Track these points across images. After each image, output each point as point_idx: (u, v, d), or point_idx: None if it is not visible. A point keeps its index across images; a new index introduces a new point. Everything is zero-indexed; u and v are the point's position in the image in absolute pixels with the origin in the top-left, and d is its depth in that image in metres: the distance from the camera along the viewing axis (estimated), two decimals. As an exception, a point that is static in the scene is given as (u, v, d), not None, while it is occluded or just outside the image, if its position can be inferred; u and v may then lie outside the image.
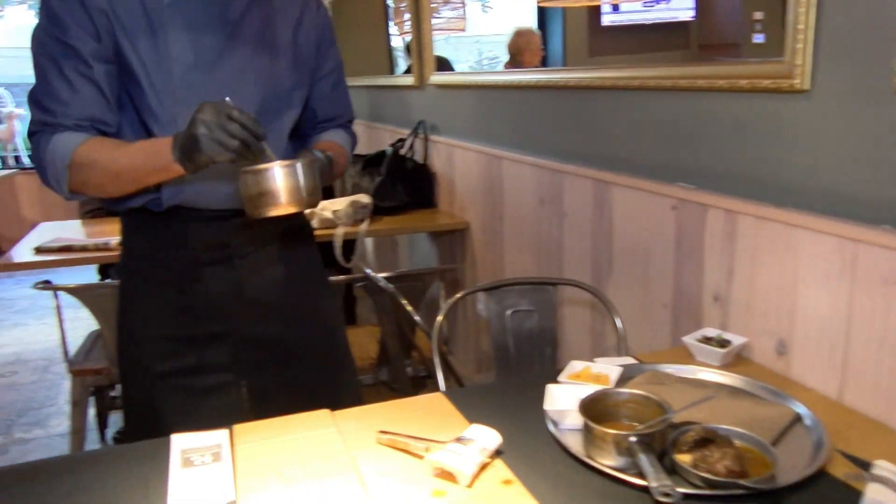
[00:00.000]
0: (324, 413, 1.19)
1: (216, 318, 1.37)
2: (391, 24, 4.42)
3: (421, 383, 2.33)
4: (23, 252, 2.52)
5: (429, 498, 0.97)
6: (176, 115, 1.23)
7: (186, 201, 1.30)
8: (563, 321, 2.07)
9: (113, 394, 2.83)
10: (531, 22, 3.58)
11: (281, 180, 1.14)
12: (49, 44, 1.17)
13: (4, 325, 4.13)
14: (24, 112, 6.10)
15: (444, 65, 3.69)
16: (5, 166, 5.90)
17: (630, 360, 1.38)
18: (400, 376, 2.09)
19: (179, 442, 1.09)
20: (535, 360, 1.69)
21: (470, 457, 1.01)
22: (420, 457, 1.06)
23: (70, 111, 1.18)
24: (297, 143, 1.46)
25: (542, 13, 3.42)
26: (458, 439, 1.05)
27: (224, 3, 1.26)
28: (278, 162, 1.15)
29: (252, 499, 0.95)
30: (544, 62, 3.30)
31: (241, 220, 1.33)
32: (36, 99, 1.20)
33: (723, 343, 1.42)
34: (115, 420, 2.81)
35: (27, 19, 7.93)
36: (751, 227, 1.43)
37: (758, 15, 2.74)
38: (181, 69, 1.23)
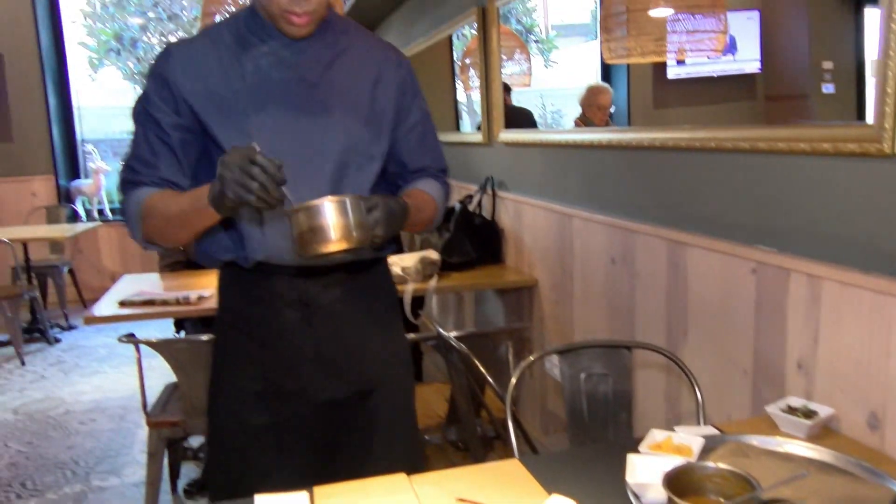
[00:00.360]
0: (401, 477, 1.19)
1: (295, 375, 1.40)
2: (457, 80, 4.52)
3: (490, 444, 2.30)
4: (108, 305, 2.64)
5: (509, 572, 0.95)
6: None
7: (271, 257, 1.35)
8: (636, 385, 2.03)
9: (186, 445, 2.90)
10: (595, 74, 3.61)
11: (330, 216, 1.14)
12: (141, 114, 1.34)
13: (85, 373, 4.29)
14: (110, 168, 6.44)
15: (523, 115, 3.74)
16: (90, 218, 6.21)
17: (711, 430, 1.34)
18: (471, 436, 2.07)
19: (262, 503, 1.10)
20: (610, 425, 1.66)
21: (551, 530, 1.00)
22: (499, 528, 1.05)
23: (150, 171, 1.33)
24: (386, 191, 1.48)
25: (607, 64, 3.45)
26: (538, 511, 1.03)
27: (303, 68, 1.33)
28: (328, 197, 1.16)
29: (333, 566, 0.96)
30: (610, 115, 3.32)
31: (326, 278, 1.37)
32: (127, 159, 1.36)
33: (809, 414, 1.37)
34: (187, 471, 2.87)
35: (115, 82, 8.43)
36: (836, 292, 1.39)
37: (827, 65, 2.71)
38: (260, 136, 1.28)
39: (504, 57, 3.41)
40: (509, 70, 3.60)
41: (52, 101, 6.09)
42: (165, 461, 2.66)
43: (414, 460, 1.47)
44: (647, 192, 2.05)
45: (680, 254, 1.87)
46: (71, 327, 5.29)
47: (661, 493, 1.03)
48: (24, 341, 4.68)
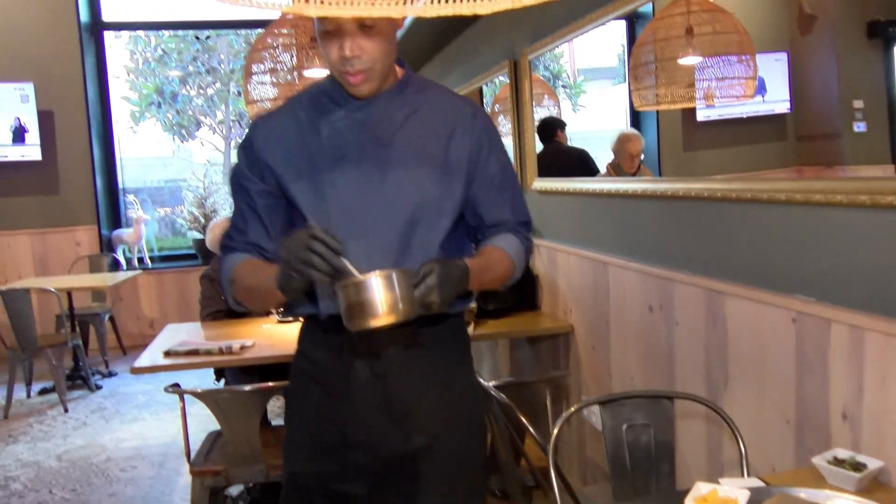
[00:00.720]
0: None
1: (362, 426, 1.41)
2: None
3: (529, 493, 2.29)
4: (154, 354, 2.71)
5: None
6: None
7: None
8: (678, 435, 2.02)
9: (227, 493, 2.92)
10: (624, 118, 3.65)
11: (377, 291, 1.16)
12: (234, 184, 1.47)
13: (125, 420, 4.36)
14: (150, 217, 6.62)
15: (577, 156, 3.74)
16: (130, 267, 6.36)
17: (757, 482, 1.34)
18: (512, 486, 2.07)
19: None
20: (653, 475, 1.66)
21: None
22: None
23: (241, 237, 1.45)
24: (462, 246, 1.50)
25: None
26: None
27: (376, 128, 1.37)
28: (375, 272, 1.18)
29: None
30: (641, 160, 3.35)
31: (397, 332, 1.34)
32: (228, 229, 1.48)
33: (857, 466, 1.36)
34: (228, 519, 2.89)
35: (154, 132, 8.72)
36: (881, 343, 1.39)
37: (857, 104, 2.72)
38: (334, 195, 1.36)
39: (534, 102, 3.49)
40: (539, 115, 3.67)
41: (97, 153, 6.32)
42: (207, 509, 2.69)
43: None
44: (683, 241, 2.07)
45: (718, 302, 1.88)
46: (111, 374, 5.39)
47: (710, 549, 1.04)
48: (66, 388, 4.78)
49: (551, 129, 3.74)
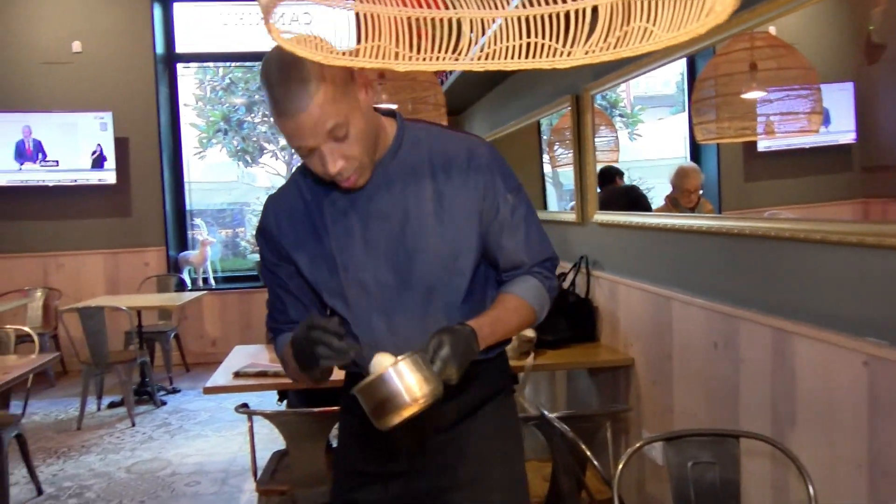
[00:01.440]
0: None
1: (402, 459, 1.45)
2: (544, 155, 4.65)
3: (589, 526, 2.30)
4: (224, 375, 2.82)
5: None
6: (349, 311, 1.40)
7: (373, 344, 1.39)
8: (743, 474, 2.01)
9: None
10: (683, 147, 3.65)
11: (396, 382, 1.13)
12: (262, 270, 1.51)
13: (189, 436, 4.50)
14: (214, 239, 6.86)
15: (629, 194, 3.80)
16: (195, 287, 6.59)
17: (829, 527, 1.34)
18: (572, 519, 2.08)
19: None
20: (719, 515, 1.66)
21: None
22: None
23: (282, 317, 1.49)
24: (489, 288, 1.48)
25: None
26: None
27: (377, 201, 1.35)
28: (383, 366, 1.14)
29: None
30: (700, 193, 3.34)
31: None
32: (268, 310, 1.52)
33: (932, 514, 1.34)
34: (289, 538, 2.96)
35: (219, 157, 9.02)
36: (957, 390, 1.38)
37: (926, 132, 2.66)
38: (347, 275, 1.37)
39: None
40: (598, 143, 3.71)
41: (167, 177, 6.60)
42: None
43: None
44: (748, 278, 2.08)
45: (786, 342, 1.88)
46: (175, 390, 5.57)
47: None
48: (134, 403, 4.96)
49: (610, 176, 3.82)
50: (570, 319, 3.20)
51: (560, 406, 3.81)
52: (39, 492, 3.62)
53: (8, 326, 3.82)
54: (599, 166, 3.54)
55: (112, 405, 5.14)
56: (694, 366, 2.37)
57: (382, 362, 1.16)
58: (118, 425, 4.75)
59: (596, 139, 3.60)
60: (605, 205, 3.44)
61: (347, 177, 1.28)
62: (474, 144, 1.39)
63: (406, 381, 1.13)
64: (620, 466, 1.63)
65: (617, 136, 4.15)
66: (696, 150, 3.52)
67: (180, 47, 6.90)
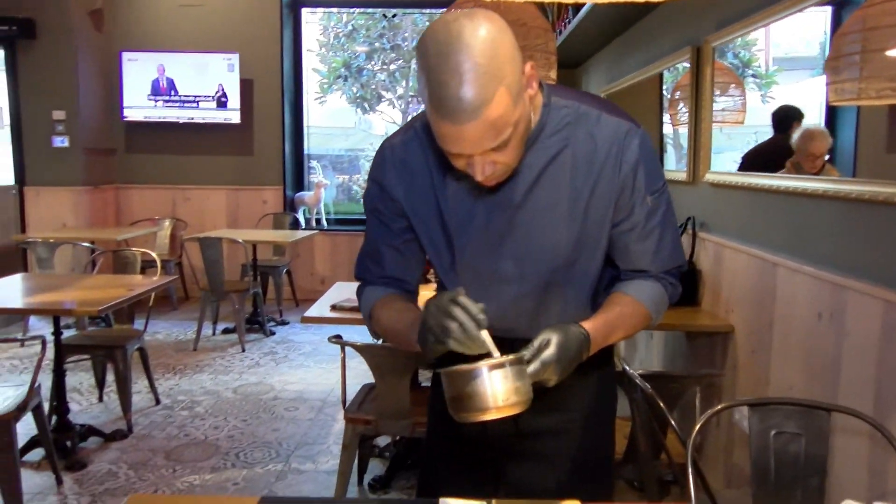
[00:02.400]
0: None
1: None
2: (665, 113, 4.44)
3: (666, 488, 2.25)
4: (322, 307, 2.94)
5: None
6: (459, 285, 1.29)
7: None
8: (834, 451, 1.90)
9: (375, 443, 3.13)
10: (819, 112, 3.38)
11: (487, 383, 1.05)
12: (368, 211, 1.39)
13: (292, 365, 4.76)
14: (329, 182, 7.09)
15: (791, 115, 3.43)
16: (308, 227, 6.87)
17: (917, 511, 1.25)
18: (648, 478, 2.05)
19: (446, 504, 1.21)
20: (799, 488, 1.58)
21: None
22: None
23: (377, 270, 1.38)
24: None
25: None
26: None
27: (507, 189, 1.23)
28: (485, 361, 1.07)
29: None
30: (832, 157, 3.09)
31: None
32: (360, 257, 1.42)
33: None
34: (374, 467, 3.10)
35: (341, 103, 9.25)
36: None
37: None
38: (462, 259, 1.29)
39: (717, 91, 3.33)
40: (721, 106, 3.50)
41: (287, 120, 6.85)
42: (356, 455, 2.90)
43: (597, 496, 1.47)
44: (866, 248, 1.92)
45: (897, 317, 1.74)
46: (284, 322, 5.88)
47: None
48: (245, 331, 5.29)
49: (789, 119, 3.40)
50: (671, 281, 3.09)
51: (654, 367, 3.72)
52: (157, 401, 3.96)
53: (135, 249, 4.14)
54: (720, 127, 3.33)
55: (226, 331, 5.50)
56: (795, 336, 2.24)
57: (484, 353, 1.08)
58: (230, 350, 5.08)
59: (721, 98, 3.40)
60: (769, 159, 3.15)
61: (491, 180, 1.16)
62: (624, 134, 1.23)
63: (496, 386, 1.05)
64: (696, 427, 1.58)
65: (744, 97, 3.90)
66: (832, 115, 3.26)
67: (306, -8, 7.07)
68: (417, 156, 1.29)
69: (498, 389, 1.05)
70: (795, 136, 3.29)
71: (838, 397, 1.97)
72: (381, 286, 1.38)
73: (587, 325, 1.20)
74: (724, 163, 3.52)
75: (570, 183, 1.23)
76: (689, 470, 1.51)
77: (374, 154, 1.38)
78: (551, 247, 1.25)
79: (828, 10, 3.12)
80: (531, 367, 1.10)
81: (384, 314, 1.35)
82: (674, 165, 4.65)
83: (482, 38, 1.03)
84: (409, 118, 1.75)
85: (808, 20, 3.29)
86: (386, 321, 1.34)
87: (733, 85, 3.81)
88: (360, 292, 1.43)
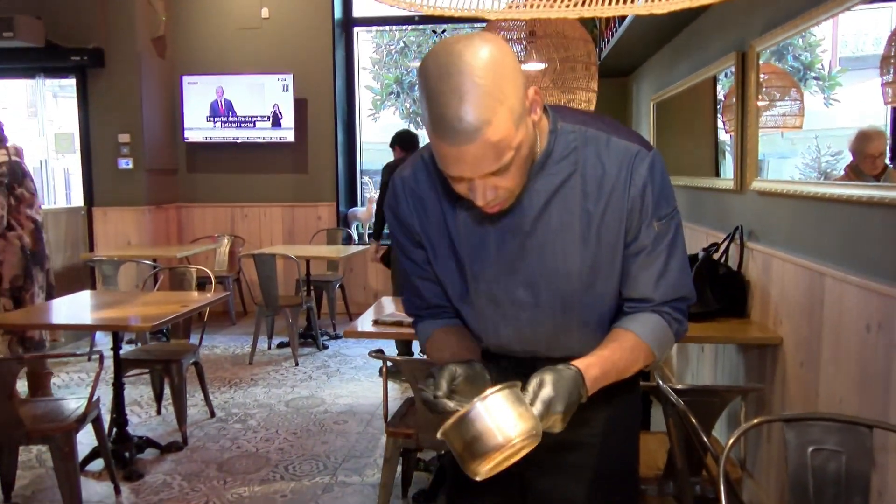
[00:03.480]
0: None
1: None
2: (720, 119, 4.33)
3: (706, 503, 2.20)
4: (366, 321, 2.99)
5: None
6: (476, 318, 1.34)
7: (499, 348, 1.39)
8: (880, 470, 1.81)
9: (419, 457, 3.14)
10: (881, 116, 3.24)
11: (486, 417, 1.01)
12: (395, 246, 1.41)
13: (343, 379, 4.83)
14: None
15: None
16: (361, 241, 6.97)
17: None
18: (685, 494, 2.00)
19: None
20: (840, 507, 1.52)
21: None
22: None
23: (421, 303, 1.41)
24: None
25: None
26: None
27: (514, 218, 1.22)
28: (477, 397, 1.03)
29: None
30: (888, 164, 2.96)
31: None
32: (404, 291, 1.46)
33: None
34: (418, 480, 3.11)
35: (394, 119, 9.38)
36: None
37: None
38: (477, 286, 1.30)
39: (777, 95, 3.24)
40: (779, 111, 3.41)
41: (340, 137, 6.99)
42: (401, 468, 2.92)
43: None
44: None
45: (947, 328, 1.65)
46: (337, 337, 5.97)
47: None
48: (298, 345, 5.39)
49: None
50: (719, 292, 3.01)
51: (705, 381, 3.62)
52: (212, 414, 4.08)
53: (192, 266, 4.29)
54: (773, 133, 3.24)
55: (280, 345, 5.62)
56: (843, 349, 2.16)
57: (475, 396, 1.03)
58: (283, 363, 5.19)
59: (780, 103, 3.31)
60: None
61: (493, 205, 1.15)
62: (633, 157, 1.21)
63: (496, 417, 1.00)
64: (730, 442, 1.54)
65: (801, 101, 3.78)
66: None
67: (358, 12, 7.21)
68: (427, 185, 1.29)
69: (500, 420, 1.00)
70: (850, 140, 3.18)
71: (890, 413, 1.88)
72: (430, 318, 1.41)
73: (579, 362, 1.17)
74: (787, 169, 3.42)
75: (581, 207, 1.21)
76: (721, 483, 1.47)
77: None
78: (565, 271, 1.24)
79: (893, 5, 3.00)
80: (535, 409, 1.07)
81: (434, 351, 1.38)
82: (731, 174, 4.54)
83: (483, 59, 1.04)
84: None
85: (876, 19, 3.17)
86: (434, 356, 1.37)
87: (793, 89, 3.70)
88: (415, 327, 1.46)
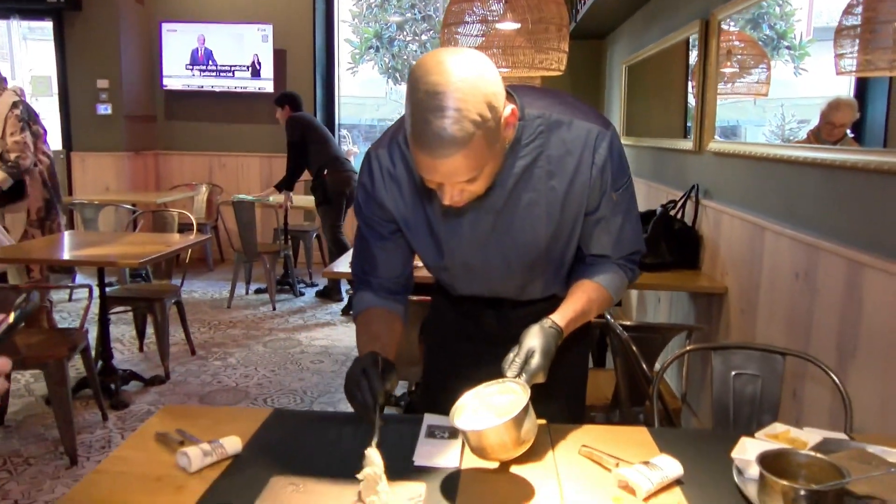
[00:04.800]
0: (542, 424, 1.43)
1: (486, 323, 1.60)
2: (690, 84, 4.50)
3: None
4: (342, 264, 3.16)
5: (608, 502, 1.17)
6: (450, 285, 1.52)
7: (469, 291, 1.56)
8: (790, 393, 2.06)
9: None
10: (847, 83, 3.41)
11: (505, 435, 1.20)
12: (358, 214, 1.48)
13: (319, 323, 5.02)
14: (359, 150, 7.30)
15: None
16: (338, 194, 7.09)
17: (840, 435, 1.41)
18: (628, 421, 2.24)
19: (429, 419, 1.43)
20: (753, 424, 1.76)
21: (651, 477, 1.19)
22: (609, 469, 1.26)
23: (370, 269, 1.50)
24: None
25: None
26: (646, 462, 1.23)
27: (488, 195, 1.32)
28: (501, 418, 1.20)
29: (472, 465, 1.25)
30: (859, 132, 3.10)
31: (521, 307, 1.53)
32: (353, 258, 1.55)
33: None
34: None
35: (372, 74, 9.42)
36: None
37: None
38: (454, 260, 1.44)
39: (752, 62, 3.40)
40: (754, 79, 3.57)
41: (319, 90, 7.06)
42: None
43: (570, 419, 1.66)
44: (838, 210, 2.06)
45: (859, 274, 1.88)
46: (313, 284, 6.15)
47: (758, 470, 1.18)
48: (276, 291, 5.56)
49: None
50: (674, 246, 3.24)
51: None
52: (193, 352, 4.26)
53: (174, 211, 4.42)
54: (733, 99, 3.40)
55: (258, 291, 5.79)
56: (778, 296, 2.40)
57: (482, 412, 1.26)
58: (261, 308, 5.37)
59: (754, 71, 3.46)
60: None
61: (459, 204, 1.25)
62: (594, 138, 1.34)
63: (513, 433, 1.20)
64: (658, 367, 1.76)
65: (768, 70, 3.95)
66: (862, 87, 3.31)
67: (338, -37, 7.22)
68: (402, 168, 1.39)
69: (514, 435, 1.20)
70: (821, 106, 3.35)
71: (809, 348, 2.13)
72: (371, 291, 1.51)
73: (561, 320, 1.34)
74: (759, 137, 3.58)
75: (547, 185, 1.35)
76: (654, 399, 1.70)
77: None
78: (533, 241, 1.41)
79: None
80: (524, 378, 1.25)
81: (363, 331, 1.47)
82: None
83: (470, 81, 1.11)
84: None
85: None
86: (360, 335, 1.47)
87: (762, 57, 3.87)
88: (354, 293, 1.55)
